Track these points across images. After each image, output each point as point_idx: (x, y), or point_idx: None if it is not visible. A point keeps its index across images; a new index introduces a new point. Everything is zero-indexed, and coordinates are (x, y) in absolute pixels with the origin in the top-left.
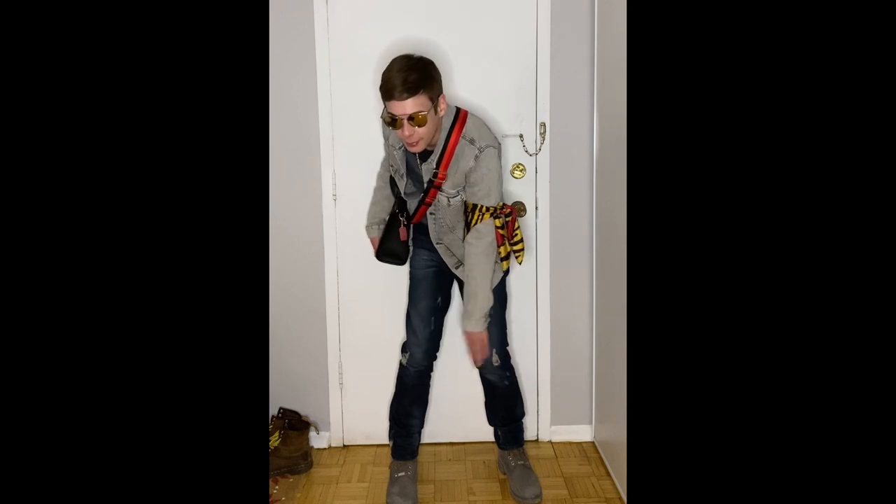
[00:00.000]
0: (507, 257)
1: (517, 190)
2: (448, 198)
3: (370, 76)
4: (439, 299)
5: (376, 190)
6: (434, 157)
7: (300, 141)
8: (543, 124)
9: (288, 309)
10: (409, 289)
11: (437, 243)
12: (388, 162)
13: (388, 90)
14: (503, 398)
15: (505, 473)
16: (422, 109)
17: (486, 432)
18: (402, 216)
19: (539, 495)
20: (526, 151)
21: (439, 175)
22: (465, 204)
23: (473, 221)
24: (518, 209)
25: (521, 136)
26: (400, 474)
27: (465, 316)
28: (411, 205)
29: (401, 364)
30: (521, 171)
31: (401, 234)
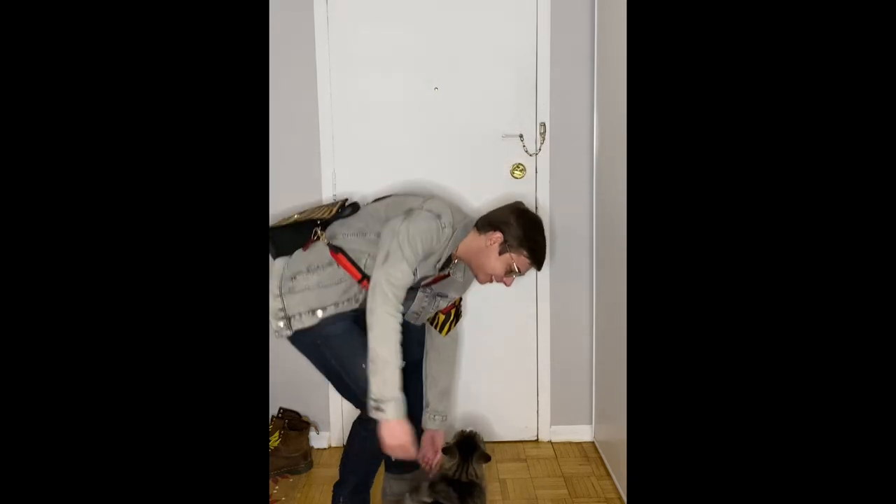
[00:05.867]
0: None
1: (517, 190)
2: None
3: (370, 76)
4: None
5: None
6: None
7: (300, 141)
8: (543, 124)
9: None
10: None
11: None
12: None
13: (539, 259)
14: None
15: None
16: None
17: (485, 433)
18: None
19: None
20: (526, 151)
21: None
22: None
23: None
24: None
25: (521, 136)
26: None
27: (440, 415)
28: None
29: None
30: (521, 171)
31: None
